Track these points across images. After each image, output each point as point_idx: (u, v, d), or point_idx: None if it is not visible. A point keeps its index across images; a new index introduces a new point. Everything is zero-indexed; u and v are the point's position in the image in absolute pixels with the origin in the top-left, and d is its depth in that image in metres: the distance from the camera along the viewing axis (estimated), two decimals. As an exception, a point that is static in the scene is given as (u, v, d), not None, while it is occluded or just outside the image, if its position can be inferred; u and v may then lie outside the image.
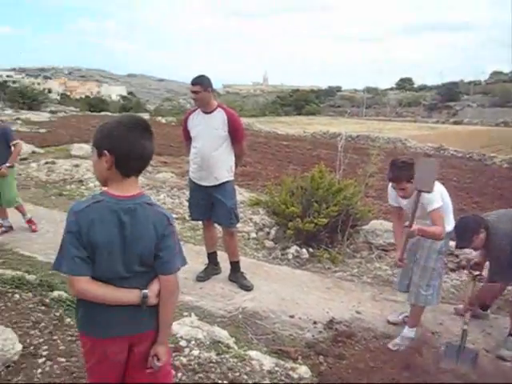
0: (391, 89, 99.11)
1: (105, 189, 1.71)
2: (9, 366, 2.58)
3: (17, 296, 3.47)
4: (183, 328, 3.22)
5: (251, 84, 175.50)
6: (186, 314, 3.70)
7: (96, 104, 49.50)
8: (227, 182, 4.28)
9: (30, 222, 5.78)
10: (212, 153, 4.17)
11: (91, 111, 38.52)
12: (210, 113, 4.18)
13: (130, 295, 1.67)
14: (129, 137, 1.64)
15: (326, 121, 47.04)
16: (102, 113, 34.07)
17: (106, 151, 1.63)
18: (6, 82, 76.16)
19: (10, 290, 3.54)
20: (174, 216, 6.44)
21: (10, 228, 5.69)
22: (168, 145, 13.40)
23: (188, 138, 4.39)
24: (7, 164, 5.40)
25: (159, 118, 26.97)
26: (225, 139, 4.19)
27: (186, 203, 7.16)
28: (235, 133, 4.22)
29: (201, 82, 4.08)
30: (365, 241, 5.90)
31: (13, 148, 5.43)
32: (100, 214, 1.62)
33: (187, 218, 5.99)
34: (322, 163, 6.26)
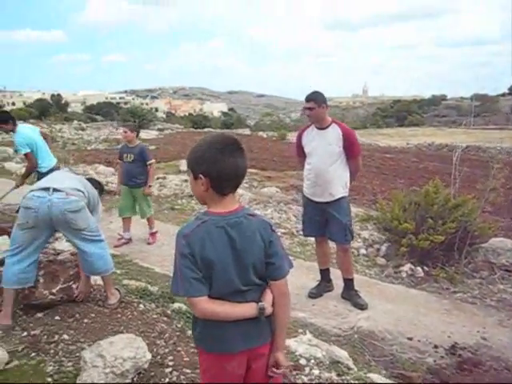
0: (503, 95, 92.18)
1: (206, 209, 1.75)
2: (140, 373, 2.70)
3: (141, 306, 3.66)
4: (301, 346, 3.18)
5: (351, 96, 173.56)
6: (300, 330, 3.67)
7: (199, 121, 51.99)
8: (342, 198, 4.21)
9: (152, 234, 6.18)
10: (327, 169, 4.13)
11: (195, 128, 40.50)
12: (325, 128, 4.15)
13: (248, 309, 1.70)
14: (221, 158, 1.65)
15: (431, 132, 44.82)
16: (205, 129, 35.67)
17: (200, 175, 1.67)
18: (118, 103, 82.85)
19: (136, 300, 3.75)
20: (282, 231, 6.47)
21: (129, 240, 6.09)
22: (271, 159, 13.60)
23: (301, 155, 4.39)
24: (149, 184, 5.96)
25: (260, 132, 27.53)
26: (340, 155, 4.13)
27: (294, 218, 7.25)
28: (351, 148, 4.15)
29: (315, 99, 4.07)
30: (485, 260, 5.49)
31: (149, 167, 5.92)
32: (208, 232, 1.66)
33: (295, 233, 5.97)
34: (436, 177, 5.96)
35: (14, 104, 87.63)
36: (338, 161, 4.13)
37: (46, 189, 3.28)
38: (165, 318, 3.50)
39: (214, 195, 1.70)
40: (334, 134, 4.10)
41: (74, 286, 3.61)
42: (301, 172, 4.65)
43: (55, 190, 3.28)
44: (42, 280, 3.49)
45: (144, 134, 27.54)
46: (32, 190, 3.34)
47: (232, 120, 55.79)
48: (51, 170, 5.36)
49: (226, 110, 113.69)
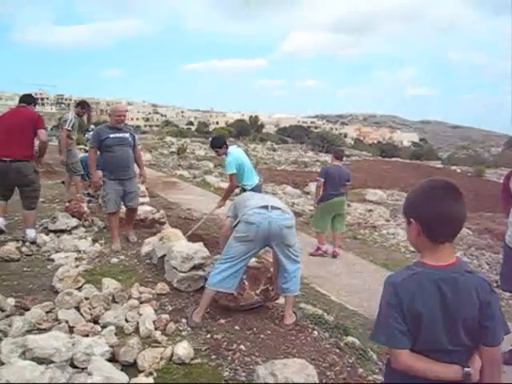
0: None
1: (420, 259, 1.66)
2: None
3: (315, 333, 3.68)
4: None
5: None
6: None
7: (387, 150, 50.87)
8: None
9: (335, 252, 6.77)
10: None
11: (383, 156, 39.70)
12: None
13: (451, 371, 1.56)
14: (432, 202, 1.57)
15: None
16: (393, 159, 34.62)
17: (412, 219, 1.62)
18: (309, 127, 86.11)
19: (310, 326, 3.79)
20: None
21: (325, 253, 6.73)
22: (469, 198, 12.56)
23: (508, 199, 3.94)
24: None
25: (453, 167, 25.71)
26: None
27: (486, 266, 6.53)
28: None
29: None
30: None
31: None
32: (420, 285, 1.58)
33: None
34: None
35: (217, 123, 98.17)
36: None
37: (265, 207, 3.63)
38: (337, 350, 3.46)
39: (427, 243, 1.62)
40: None
41: (270, 288, 3.94)
42: (500, 216, 4.18)
43: (273, 207, 3.63)
44: (247, 283, 3.94)
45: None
46: (251, 208, 3.66)
47: (422, 151, 53.16)
48: (256, 187, 5.93)
49: (416, 140, 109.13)
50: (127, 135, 5.58)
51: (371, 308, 4.83)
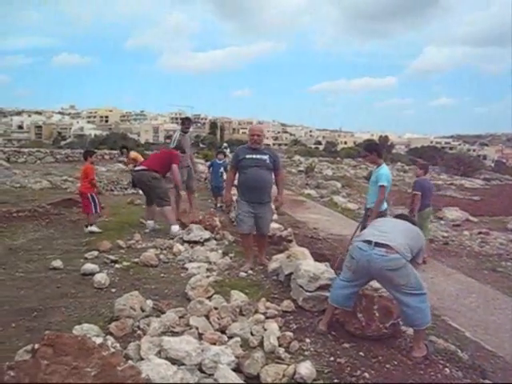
0: None
1: None
2: None
3: (447, 370, 3.39)
4: None
5: None
6: None
7: (535, 174, 45.60)
8: None
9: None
10: None
11: (529, 181, 35.82)
12: None
13: None
14: None
15: None
16: (542, 184, 31.04)
17: None
18: (443, 147, 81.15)
19: (442, 362, 3.50)
20: None
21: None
22: None
23: None
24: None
25: None
26: None
27: None
28: None
29: None
30: None
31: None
32: None
33: None
34: None
35: (345, 143, 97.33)
36: None
37: (369, 241, 3.48)
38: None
39: None
40: None
41: (401, 323, 3.75)
42: None
43: (377, 244, 3.43)
44: (377, 314, 3.75)
45: (468, 182, 26.14)
46: (357, 240, 3.64)
47: None
48: (384, 211, 5.78)
49: None
50: (265, 157, 5.33)
51: (513, 350, 4.34)
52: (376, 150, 5.88)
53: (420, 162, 8.22)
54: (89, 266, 4.98)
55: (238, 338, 3.43)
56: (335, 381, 3.08)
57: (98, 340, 2.58)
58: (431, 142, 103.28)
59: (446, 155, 49.21)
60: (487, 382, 3.35)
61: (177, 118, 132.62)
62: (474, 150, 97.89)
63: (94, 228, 7.17)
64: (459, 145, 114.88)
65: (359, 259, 3.49)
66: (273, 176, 5.56)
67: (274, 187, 5.67)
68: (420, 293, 3.44)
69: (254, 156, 5.31)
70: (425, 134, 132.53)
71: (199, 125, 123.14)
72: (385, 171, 5.75)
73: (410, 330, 3.77)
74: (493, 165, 69.49)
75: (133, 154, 12.75)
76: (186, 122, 8.75)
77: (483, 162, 55.07)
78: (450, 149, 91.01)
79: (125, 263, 5.38)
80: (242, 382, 2.80)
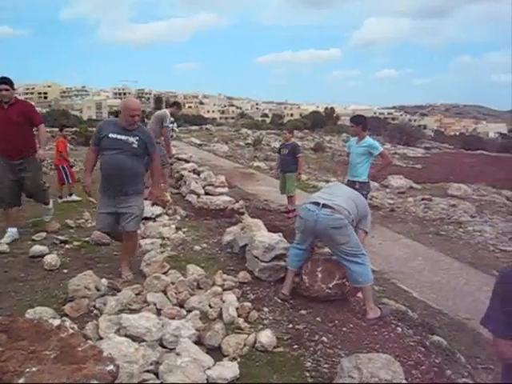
0: None
1: None
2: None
3: (399, 329, 3.57)
4: None
5: None
6: None
7: (471, 142, 47.95)
8: None
9: (290, 211, 7.75)
10: None
11: (466, 149, 37.64)
12: None
13: None
14: None
15: None
16: (478, 151, 32.75)
17: None
18: (386, 118, 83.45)
19: (394, 322, 3.68)
20: None
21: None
22: None
23: None
24: (299, 171, 8.28)
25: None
26: None
27: None
28: None
29: None
30: None
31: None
32: None
33: None
34: None
35: (292, 115, 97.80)
36: None
37: (317, 203, 3.73)
38: (422, 349, 3.33)
39: None
40: None
41: (347, 284, 3.88)
42: None
43: (324, 205, 3.69)
44: (320, 275, 3.89)
45: (410, 151, 27.12)
46: (306, 202, 3.88)
47: None
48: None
49: (505, 131, 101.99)
50: (132, 139, 4.16)
51: (457, 308, 4.63)
52: (362, 123, 6.02)
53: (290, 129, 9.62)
54: (37, 248, 4.77)
55: (197, 312, 3.44)
56: (295, 346, 3.17)
57: (56, 322, 2.49)
58: (375, 113, 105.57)
59: (389, 126, 50.57)
60: (435, 337, 3.55)
61: (120, 94, 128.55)
62: (414, 120, 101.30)
63: (74, 197, 7.92)
64: (401, 115, 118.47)
65: (307, 219, 3.75)
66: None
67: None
68: (360, 253, 3.71)
69: (119, 137, 4.15)
70: (369, 105, 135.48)
71: (144, 100, 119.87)
72: (372, 141, 5.99)
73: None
74: (432, 134, 72.33)
75: None
76: (180, 107, 8.81)
77: (424, 132, 57.05)
78: (393, 119, 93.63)
79: (75, 243, 5.21)
80: (204, 353, 2.81)
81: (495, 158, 25.35)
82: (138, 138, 4.20)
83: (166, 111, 8.24)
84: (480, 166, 19.46)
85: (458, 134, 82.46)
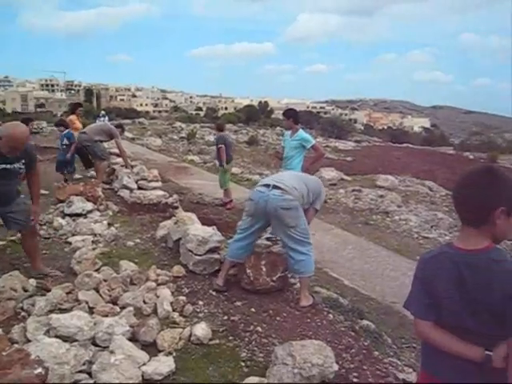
0: None
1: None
2: (324, 382, 2.75)
3: (330, 316, 3.72)
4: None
5: None
6: None
7: (398, 135, 50.32)
8: None
9: (227, 203, 8.10)
10: None
11: (393, 142, 39.37)
12: None
13: (470, 352, 1.57)
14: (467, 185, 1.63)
15: None
16: (404, 144, 34.38)
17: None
18: (319, 112, 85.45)
19: (325, 309, 3.83)
20: None
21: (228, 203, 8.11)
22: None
23: None
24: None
25: (466, 153, 25.51)
26: None
27: None
28: None
29: None
30: None
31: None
32: (442, 264, 1.64)
33: None
34: None
35: (226, 109, 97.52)
36: None
37: (268, 185, 3.79)
38: (352, 333, 3.49)
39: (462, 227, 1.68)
40: None
41: (289, 276, 3.98)
42: None
43: (275, 187, 3.74)
44: (264, 268, 3.94)
45: (342, 144, 27.95)
46: (257, 185, 3.97)
47: (434, 137, 52.59)
48: None
49: (428, 125, 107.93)
50: (18, 165, 3.81)
51: (384, 293, 4.88)
52: (293, 116, 6.10)
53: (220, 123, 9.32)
54: (-45, 249, 4.48)
55: (131, 308, 3.38)
56: (230, 338, 3.21)
57: (-23, 326, 2.37)
58: (307, 107, 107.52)
59: (321, 119, 51.82)
60: (364, 321, 3.73)
61: (48, 85, 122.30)
62: (345, 115, 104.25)
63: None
64: (333, 109, 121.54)
65: (257, 201, 3.77)
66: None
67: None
68: (307, 241, 3.79)
69: (8, 166, 3.75)
70: (302, 99, 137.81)
71: (73, 92, 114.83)
72: (305, 134, 6.05)
73: (298, 284, 4.03)
74: (362, 128, 75.03)
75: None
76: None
77: (354, 126, 59.09)
78: (325, 113, 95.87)
79: (0, 242, 4.94)
80: (138, 350, 2.78)
81: (420, 151, 26.74)
82: (23, 161, 3.82)
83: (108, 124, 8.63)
84: (406, 159, 20.46)
85: (386, 127, 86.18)
